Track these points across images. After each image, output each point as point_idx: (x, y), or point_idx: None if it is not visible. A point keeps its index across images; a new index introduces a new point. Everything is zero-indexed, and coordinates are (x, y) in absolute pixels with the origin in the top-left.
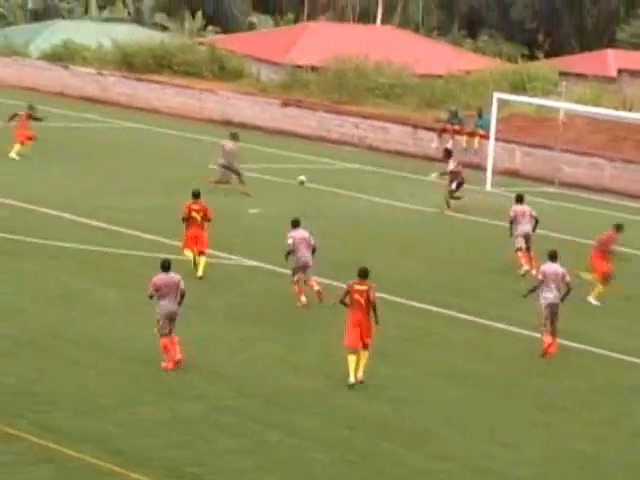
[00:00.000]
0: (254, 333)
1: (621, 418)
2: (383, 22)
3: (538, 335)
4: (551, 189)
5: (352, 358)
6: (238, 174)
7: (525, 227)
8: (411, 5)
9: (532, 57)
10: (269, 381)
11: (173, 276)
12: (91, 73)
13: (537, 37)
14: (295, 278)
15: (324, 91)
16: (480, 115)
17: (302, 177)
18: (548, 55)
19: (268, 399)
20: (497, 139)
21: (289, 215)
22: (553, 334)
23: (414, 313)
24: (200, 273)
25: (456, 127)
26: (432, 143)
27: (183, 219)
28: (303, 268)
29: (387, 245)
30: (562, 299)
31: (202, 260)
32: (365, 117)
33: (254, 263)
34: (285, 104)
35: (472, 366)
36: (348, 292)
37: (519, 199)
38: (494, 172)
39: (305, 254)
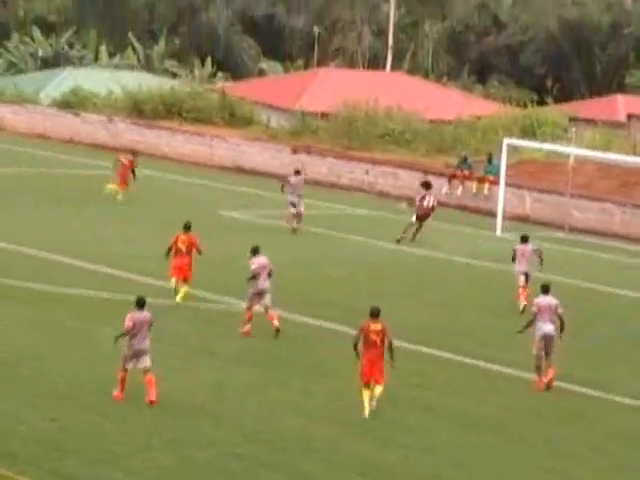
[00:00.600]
0: (264, 377)
1: (633, 464)
2: (393, 68)
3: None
4: (561, 234)
5: (367, 392)
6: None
7: (524, 266)
8: (420, 51)
9: (541, 102)
10: (280, 426)
11: (146, 314)
12: (101, 120)
13: (546, 82)
14: (250, 304)
15: (334, 137)
16: (490, 161)
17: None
18: (557, 100)
19: (278, 445)
20: (507, 185)
21: (300, 260)
22: (549, 366)
23: (423, 358)
24: (178, 299)
25: (466, 173)
26: (442, 189)
27: (168, 249)
28: (260, 294)
29: (397, 289)
30: (560, 332)
31: (183, 288)
32: (375, 163)
33: (261, 309)
34: (295, 150)
35: (482, 411)
36: (363, 331)
37: (524, 239)
38: (504, 218)
39: (264, 280)
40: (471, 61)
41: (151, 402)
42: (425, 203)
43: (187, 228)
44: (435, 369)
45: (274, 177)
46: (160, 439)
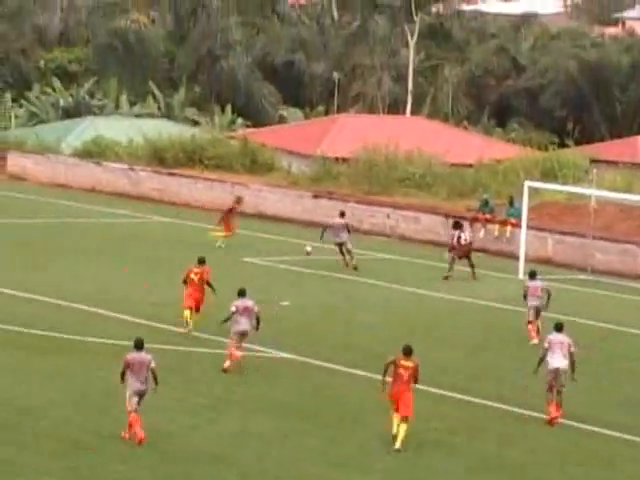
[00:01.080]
0: (289, 426)
1: None
2: (413, 113)
3: (575, 423)
4: (584, 276)
5: (397, 416)
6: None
7: (535, 301)
8: (440, 95)
9: (562, 145)
10: (306, 476)
11: (145, 355)
12: (123, 168)
13: (567, 125)
14: (232, 343)
15: (355, 182)
16: (511, 203)
17: (308, 247)
18: (578, 143)
19: None
20: (529, 227)
21: (322, 306)
22: (558, 404)
23: (448, 401)
24: (191, 326)
25: (487, 216)
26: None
27: (183, 281)
28: (241, 335)
29: (422, 334)
30: (572, 372)
31: (194, 316)
32: (396, 207)
33: (286, 355)
34: (316, 196)
35: (510, 456)
36: (393, 364)
37: (532, 275)
38: (526, 260)
39: (244, 322)
40: (491, 104)
41: (140, 441)
42: (462, 241)
43: (201, 262)
44: (463, 413)
45: (317, 227)
46: None
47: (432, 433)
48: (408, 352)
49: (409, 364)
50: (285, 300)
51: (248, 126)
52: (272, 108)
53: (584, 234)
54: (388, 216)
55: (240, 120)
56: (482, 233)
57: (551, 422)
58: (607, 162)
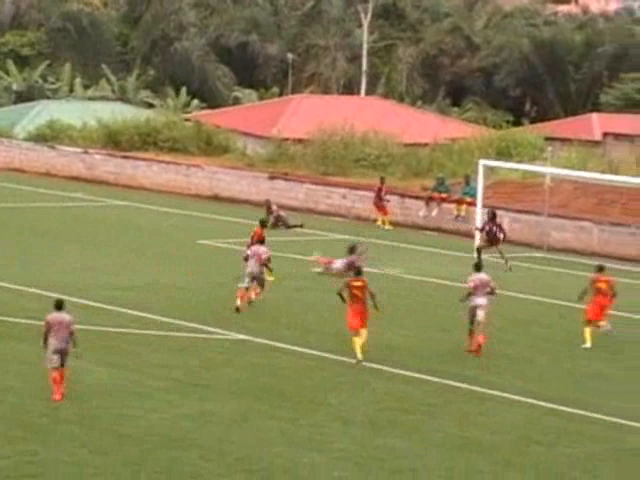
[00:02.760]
0: (248, 407)
1: None
2: (367, 93)
3: (534, 401)
4: (540, 254)
5: (356, 339)
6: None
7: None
8: (394, 75)
9: (517, 123)
10: (266, 456)
11: (65, 315)
12: (77, 152)
13: (521, 103)
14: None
15: (311, 163)
16: (467, 182)
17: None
18: (533, 121)
19: (263, 473)
20: (484, 206)
21: (283, 287)
22: (480, 333)
23: (406, 382)
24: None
25: (443, 195)
26: (420, 212)
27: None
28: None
29: (377, 315)
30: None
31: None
32: (352, 188)
33: (244, 337)
34: (272, 177)
35: (468, 435)
36: (347, 286)
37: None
38: (482, 239)
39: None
40: (445, 84)
41: (55, 400)
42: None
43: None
44: (419, 392)
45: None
46: (146, 471)
47: (389, 412)
48: (359, 273)
49: (359, 283)
50: (241, 282)
51: (203, 108)
52: (226, 90)
53: (540, 212)
54: (344, 197)
55: (195, 102)
56: (435, 212)
57: (476, 351)
58: (562, 140)
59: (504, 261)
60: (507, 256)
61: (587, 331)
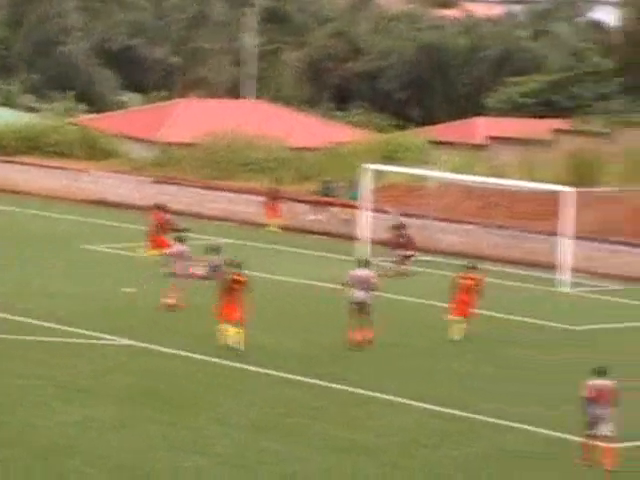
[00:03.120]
0: (130, 412)
1: None
2: (254, 97)
3: (419, 404)
4: (427, 257)
5: (227, 327)
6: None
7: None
8: (281, 79)
9: (402, 127)
10: (148, 460)
11: None
12: None
13: (407, 107)
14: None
15: (197, 167)
16: (353, 186)
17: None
18: (418, 125)
19: (147, 479)
20: (372, 210)
21: (165, 292)
22: (368, 327)
23: (290, 385)
24: None
25: (330, 199)
26: (307, 216)
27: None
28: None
29: (263, 317)
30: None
31: None
32: (239, 192)
33: (127, 341)
34: (158, 181)
35: (353, 438)
36: (226, 280)
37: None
38: (369, 242)
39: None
40: (331, 88)
41: None
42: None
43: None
44: (303, 396)
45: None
46: (30, 479)
47: (273, 416)
48: (238, 266)
49: (241, 279)
50: (127, 287)
51: (88, 112)
52: (112, 93)
53: (426, 215)
54: (231, 201)
55: (80, 106)
56: (323, 216)
57: (361, 344)
58: (447, 143)
59: (394, 264)
60: (393, 260)
61: (454, 326)
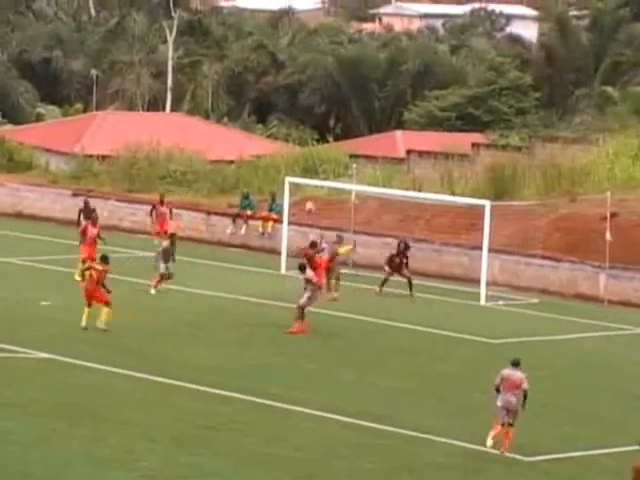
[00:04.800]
0: (52, 427)
1: None
2: (172, 109)
3: (339, 417)
4: (345, 270)
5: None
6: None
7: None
8: (200, 91)
9: (322, 141)
10: (69, 476)
11: None
12: None
13: (326, 121)
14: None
15: (115, 180)
16: (273, 199)
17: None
18: (338, 138)
19: None
20: (290, 223)
21: (81, 305)
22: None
23: (213, 400)
24: None
25: (249, 212)
26: (227, 229)
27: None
28: None
29: (183, 332)
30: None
31: None
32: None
33: (46, 355)
34: (76, 194)
35: (274, 452)
36: (89, 267)
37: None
38: (288, 255)
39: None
40: (251, 101)
41: None
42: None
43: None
44: (225, 410)
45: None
46: None
47: (195, 430)
48: (104, 259)
49: (100, 267)
50: (45, 300)
51: (5, 124)
52: (29, 106)
53: (345, 229)
54: (149, 213)
55: None
56: (244, 229)
57: (295, 333)
58: (366, 157)
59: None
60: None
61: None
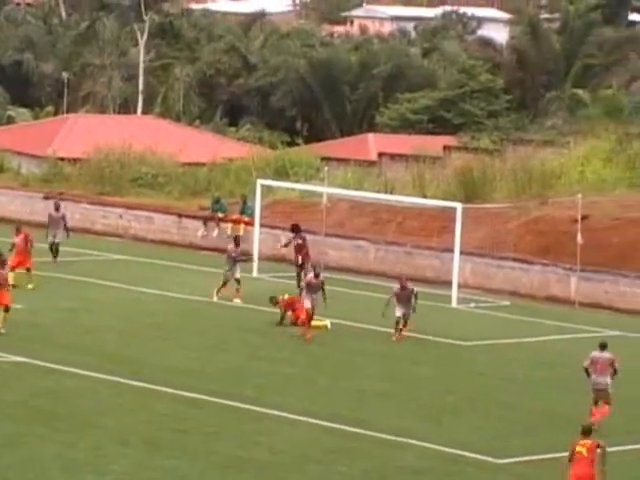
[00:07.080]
0: (24, 431)
1: None
2: (144, 112)
3: (313, 420)
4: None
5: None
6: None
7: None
8: (171, 94)
9: (293, 143)
10: None
11: None
12: None
13: (298, 124)
14: None
15: (87, 183)
16: (245, 202)
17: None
18: (309, 141)
19: None
20: (262, 225)
21: (56, 309)
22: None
23: (186, 403)
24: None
25: (220, 215)
26: (198, 231)
27: None
28: None
29: (157, 335)
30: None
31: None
32: (129, 207)
33: (19, 359)
34: (47, 197)
35: (248, 455)
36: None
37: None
38: (260, 258)
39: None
40: (222, 103)
41: None
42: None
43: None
44: (199, 413)
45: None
46: None
47: (168, 433)
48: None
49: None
50: (17, 304)
51: None
52: (0, 108)
53: (317, 231)
54: (121, 216)
55: None
56: (216, 232)
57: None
58: (338, 160)
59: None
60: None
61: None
